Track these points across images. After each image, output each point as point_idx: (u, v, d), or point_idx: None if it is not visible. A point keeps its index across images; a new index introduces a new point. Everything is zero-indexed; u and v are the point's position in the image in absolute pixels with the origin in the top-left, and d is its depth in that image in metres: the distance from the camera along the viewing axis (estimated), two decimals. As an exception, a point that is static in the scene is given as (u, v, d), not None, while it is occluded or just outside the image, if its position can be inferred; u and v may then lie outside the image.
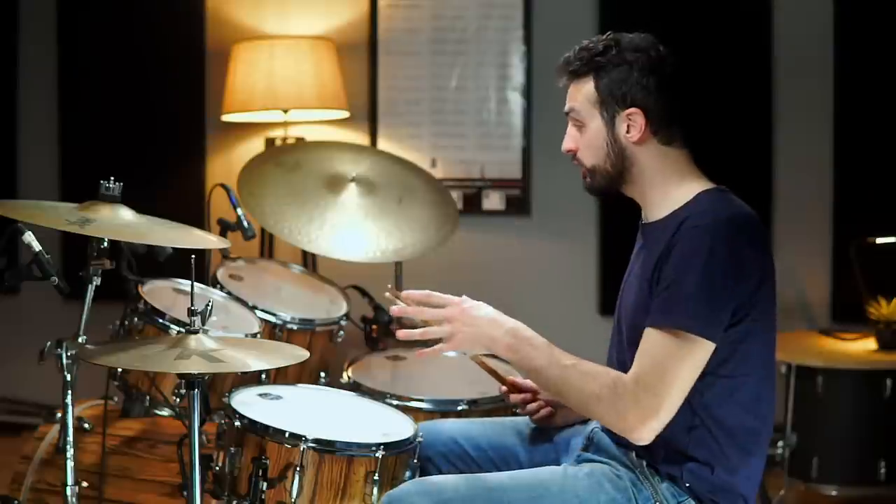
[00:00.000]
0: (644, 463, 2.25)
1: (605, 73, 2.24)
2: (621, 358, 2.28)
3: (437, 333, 2.28)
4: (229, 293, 3.13)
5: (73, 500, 2.38)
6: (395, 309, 2.34)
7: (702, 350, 2.10)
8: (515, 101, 4.73)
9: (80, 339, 2.39)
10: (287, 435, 2.33)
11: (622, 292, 2.37)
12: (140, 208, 2.40)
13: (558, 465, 2.37)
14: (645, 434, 2.12)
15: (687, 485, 2.20)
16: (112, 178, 2.36)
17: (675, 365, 2.09)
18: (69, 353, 2.35)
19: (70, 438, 2.39)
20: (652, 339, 2.12)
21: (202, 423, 2.19)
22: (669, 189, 2.26)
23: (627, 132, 2.25)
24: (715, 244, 2.09)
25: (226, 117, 4.65)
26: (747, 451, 2.21)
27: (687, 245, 2.12)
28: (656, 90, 2.23)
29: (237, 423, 2.39)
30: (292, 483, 2.31)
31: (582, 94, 2.28)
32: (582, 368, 2.18)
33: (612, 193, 2.33)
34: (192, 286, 2.23)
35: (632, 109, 2.23)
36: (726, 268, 2.09)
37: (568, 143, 2.34)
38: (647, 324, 2.14)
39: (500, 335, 2.25)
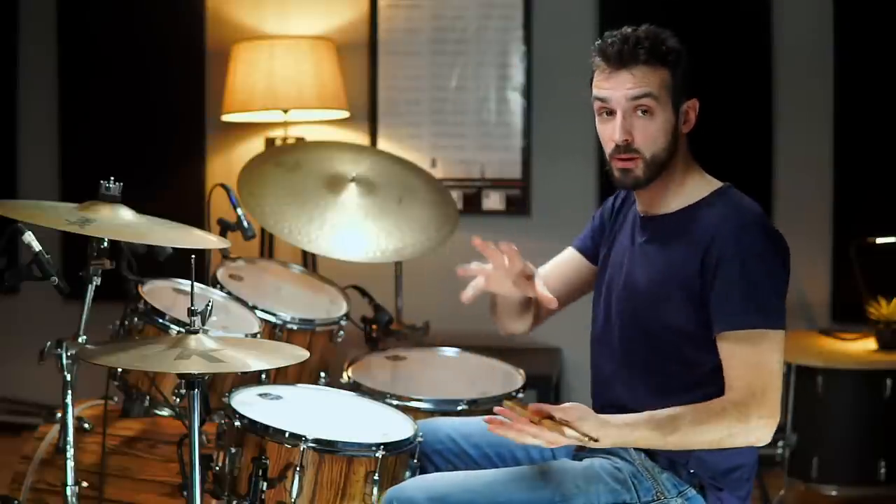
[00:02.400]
0: (643, 455, 2.26)
1: (679, 64, 2.25)
2: (634, 349, 2.29)
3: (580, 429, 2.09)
4: (229, 293, 3.12)
5: (73, 500, 2.38)
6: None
7: (782, 340, 2.16)
8: (515, 101, 4.73)
9: (80, 339, 2.39)
10: (287, 435, 2.33)
11: (619, 286, 2.36)
12: (140, 208, 2.39)
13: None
14: (769, 434, 2.13)
15: (691, 471, 2.22)
16: (112, 178, 2.36)
17: (772, 362, 2.14)
18: (69, 353, 2.35)
19: (70, 438, 2.39)
20: (740, 346, 2.14)
21: (202, 423, 2.19)
22: (687, 181, 2.30)
23: (685, 122, 2.28)
24: (765, 239, 2.18)
25: (226, 117, 4.65)
26: None
27: (742, 246, 2.16)
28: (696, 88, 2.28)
29: (237, 423, 2.39)
30: (292, 483, 2.31)
31: (656, 81, 2.23)
32: (692, 419, 2.10)
33: (645, 185, 2.28)
34: (192, 286, 2.23)
35: (691, 102, 2.28)
36: (777, 259, 2.19)
37: (622, 134, 2.23)
38: (722, 328, 2.15)
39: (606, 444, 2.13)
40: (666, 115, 2.25)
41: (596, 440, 2.07)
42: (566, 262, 2.60)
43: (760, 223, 2.20)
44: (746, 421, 2.10)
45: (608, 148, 2.28)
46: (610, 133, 2.25)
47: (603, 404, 2.37)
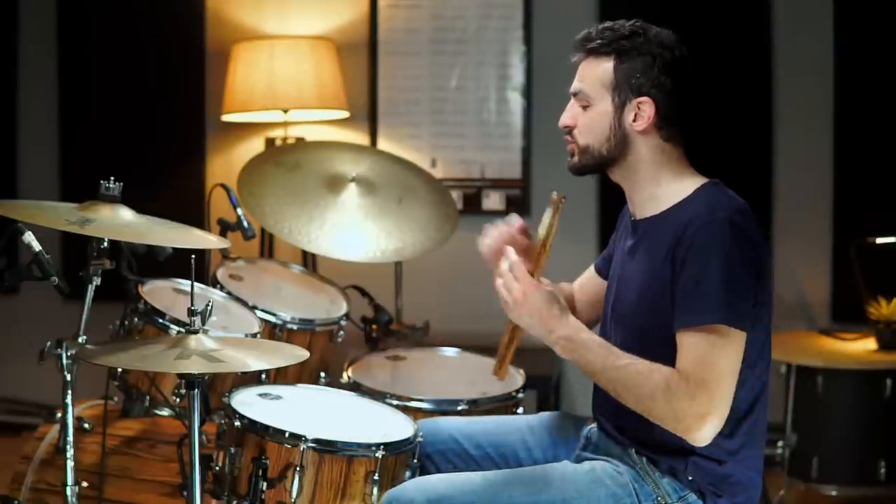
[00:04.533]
0: (644, 459, 2.25)
1: (627, 59, 2.24)
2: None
3: (502, 295, 2.25)
4: (229, 293, 3.13)
5: (73, 500, 2.38)
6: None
7: (740, 341, 2.10)
8: (515, 101, 4.73)
9: (80, 339, 2.39)
10: (287, 435, 2.33)
11: (612, 291, 2.37)
12: (140, 208, 2.39)
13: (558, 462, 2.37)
14: (705, 432, 2.07)
15: (690, 478, 2.21)
16: (112, 178, 2.36)
17: (720, 358, 2.08)
18: (69, 353, 2.35)
19: (70, 438, 2.39)
20: (691, 339, 2.10)
21: (202, 423, 2.19)
22: (663, 183, 2.27)
23: (634, 120, 2.25)
24: (729, 238, 2.11)
25: (226, 117, 4.65)
26: (751, 442, 2.22)
27: (703, 243, 2.12)
28: (671, 89, 2.23)
29: (237, 423, 2.39)
30: (292, 483, 2.31)
31: (596, 73, 2.26)
32: (635, 368, 2.12)
33: (594, 173, 2.35)
34: (192, 286, 2.23)
35: (643, 99, 2.24)
36: (743, 259, 2.11)
37: (566, 119, 2.33)
38: (678, 326, 2.12)
39: (556, 336, 2.21)
40: (601, 108, 2.26)
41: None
42: (589, 280, 2.64)
43: (729, 220, 2.12)
44: (672, 399, 2.05)
45: None
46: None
47: (601, 405, 2.37)
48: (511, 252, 2.28)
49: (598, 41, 2.26)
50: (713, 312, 2.08)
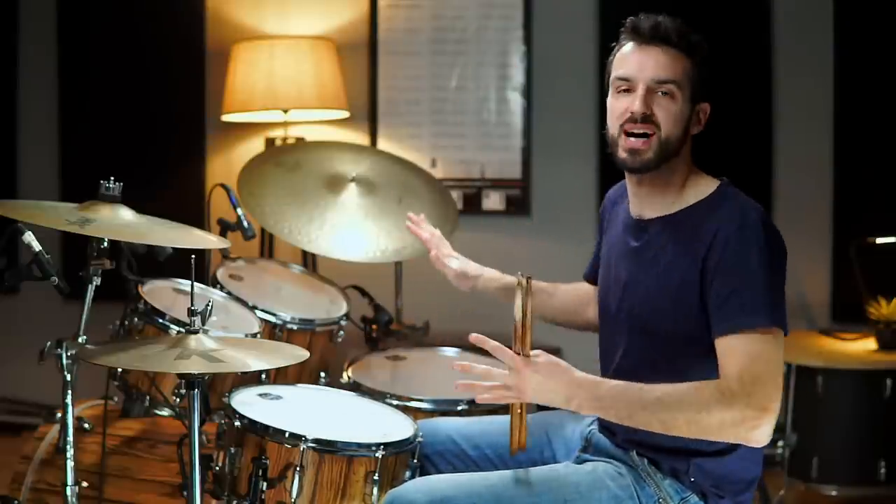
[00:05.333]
0: (645, 461, 2.25)
1: (700, 62, 2.22)
2: (645, 356, 2.25)
3: (502, 394, 2.15)
4: (229, 293, 3.12)
5: (73, 500, 2.38)
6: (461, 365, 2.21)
7: (782, 339, 2.11)
8: (515, 101, 4.73)
9: (80, 339, 2.39)
10: (287, 435, 2.33)
11: (620, 294, 2.34)
12: (140, 208, 2.39)
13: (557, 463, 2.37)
14: (765, 429, 2.04)
15: (692, 479, 2.20)
16: (112, 178, 2.36)
17: (771, 357, 2.08)
18: (69, 353, 2.35)
19: (70, 438, 2.39)
20: (739, 343, 2.08)
21: (202, 423, 2.19)
22: (686, 182, 2.27)
23: (695, 122, 2.26)
24: (763, 240, 2.13)
25: (226, 117, 4.65)
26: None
27: (740, 248, 2.12)
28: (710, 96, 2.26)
29: (237, 423, 2.39)
30: (292, 483, 2.31)
31: (678, 67, 2.20)
32: (677, 392, 2.05)
33: (652, 171, 2.23)
34: (192, 286, 2.23)
35: (705, 105, 2.25)
36: (777, 259, 2.15)
37: (643, 106, 2.18)
38: (723, 331, 2.10)
39: (577, 403, 2.11)
40: (684, 104, 2.22)
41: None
42: (585, 292, 2.65)
43: (762, 223, 2.15)
44: (729, 404, 2.01)
45: (620, 121, 2.22)
46: (627, 104, 2.20)
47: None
48: (484, 343, 2.13)
49: (679, 34, 2.20)
50: (759, 315, 2.08)
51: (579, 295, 2.67)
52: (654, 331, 2.23)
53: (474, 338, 2.14)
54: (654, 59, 2.19)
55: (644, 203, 2.31)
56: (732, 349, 2.08)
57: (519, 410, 2.20)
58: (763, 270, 2.11)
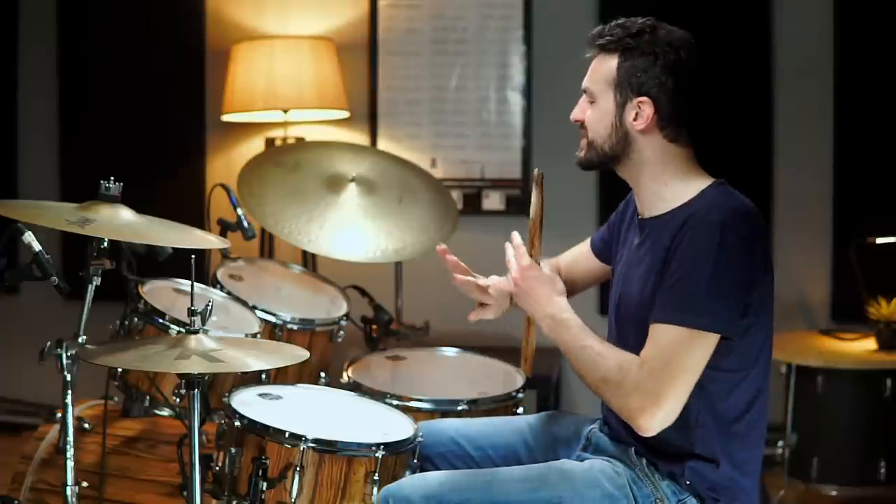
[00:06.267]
0: (644, 461, 2.25)
1: (630, 57, 2.24)
2: (636, 348, 2.23)
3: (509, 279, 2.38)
4: (229, 293, 3.13)
5: (73, 500, 2.38)
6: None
7: (709, 343, 2.11)
8: (515, 101, 4.73)
9: (80, 339, 2.39)
10: (287, 435, 2.33)
11: (618, 288, 2.36)
12: (140, 208, 2.39)
13: (557, 462, 2.37)
14: (648, 421, 2.10)
15: (688, 482, 2.20)
16: (112, 178, 2.36)
17: (681, 355, 2.09)
18: (69, 353, 2.35)
19: (70, 438, 2.39)
20: (659, 332, 2.12)
21: (202, 423, 2.19)
22: (670, 183, 2.27)
23: (634, 119, 2.25)
24: (723, 239, 2.10)
25: (226, 117, 4.65)
26: (748, 445, 2.21)
27: (695, 240, 2.12)
28: (672, 89, 2.22)
29: (237, 423, 2.39)
30: (292, 483, 2.31)
31: (601, 71, 2.27)
32: (596, 349, 2.20)
33: (601, 169, 2.36)
34: (192, 286, 2.23)
35: (642, 98, 2.23)
36: (736, 262, 2.10)
37: (576, 113, 2.34)
38: (653, 317, 2.13)
39: (543, 314, 2.30)
40: (605, 105, 2.27)
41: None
42: (582, 253, 2.69)
43: (721, 223, 2.11)
44: (621, 383, 2.12)
45: None
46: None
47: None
48: (515, 236, 2.39)
49: (607, 38, 2.26)
50: (687, 314, 2.09)
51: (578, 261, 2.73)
52: (636, 322, 2.24)
53: (514, 239, 2.38)
54: (589, 69, 2.32)
55: (642, 202, 2.34)
56: (653, 337, 2.14)
57: (526, 327, 2.43)
58: (711, 270, 2.09)
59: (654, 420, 2.10)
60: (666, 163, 2.27)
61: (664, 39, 2.23)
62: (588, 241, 2.68)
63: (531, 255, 2.36)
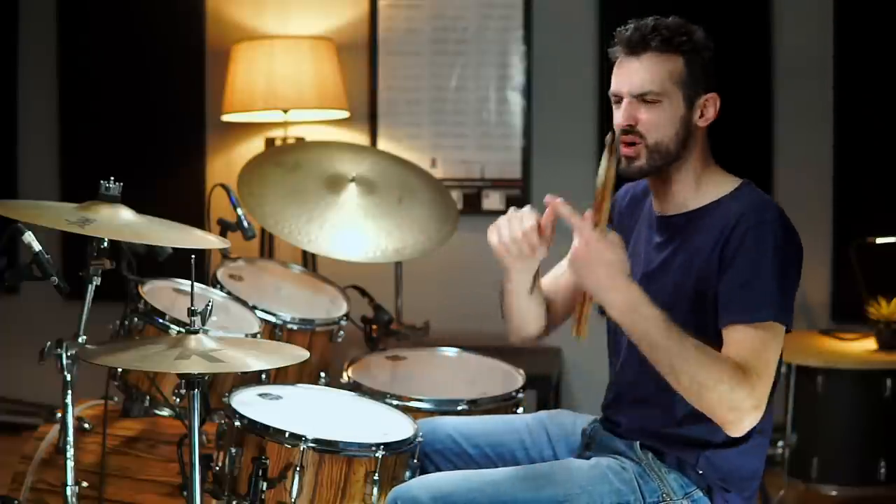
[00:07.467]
0: (650, 455, 2.25)
1: (696, 55, 2.25)
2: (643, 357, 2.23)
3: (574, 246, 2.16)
4: (229, 293, 3.12)
5: (73, 500, 2.38)
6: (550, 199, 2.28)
7: (783, 337, 2.15)
8: (515, 101, 4.73)
9: (80, 339, 2.39)
10: (287, 435, 2.33)
11: (642, 282, 2.32)
12: (140, 208, 2.39)
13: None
14: (749, 423, 2.08)
15: (700, 472, 2.21)
16: (112, 178, 2.36)
17: (772, 354, 2.12)
18: (69, 353, 2.35)
19: (70, 438, 2.38)
20: (745, 334, 2.11)
21: (202, 423, 2.19)
22: (704, 178, 2.29)
23: (701, 115, 2.26)
24: (780, 238, 2.16)
25: (226, 117, 4.65)
26: (758, 431, 2.21)
27: (756, 243, 2.15)
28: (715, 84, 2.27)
29: (237, 423, 2.39)
30: (292, 483, 2.31)
31: (664, 71, 2.23)
32: (705, 350, 2.07)
33: (653, 175, 2.29)
34: (192, 286, 2.23)
35: (711, 95, 2.26)
36: (792, 258, 2.17)
37: (627, 118, 2.23)
38: (730, 321, 2.13)
39: (615, 297, 2.10)
40: (674, 105, 2.24)
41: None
42: (565, 273, 2.55)
43: (780, 220, 2.18)
44: (734, 386, 2.02)
45: (618, 132, 2.27)
46: (617, 119, 2.27)
47: (614, 398, 2.38)
48: (554, 200, 2.25)
49: (662, 37, 2.23)
50: (767, 309, 2.11)
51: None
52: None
53: (549, 201, 2.25)
54: (636, 71, 2.24)
55: (665, 200, 2.33)
56: (737, 340, 2.11)
57: (582, 294, 2.19)
58: (776, 268, 2.13)
59: (754, 421, 2.09)
60: (705, 158, 2.31)
61: (701, 36, 2.27)
62: (567, 260, 2.47)
63: (596, 225, 2.15)
